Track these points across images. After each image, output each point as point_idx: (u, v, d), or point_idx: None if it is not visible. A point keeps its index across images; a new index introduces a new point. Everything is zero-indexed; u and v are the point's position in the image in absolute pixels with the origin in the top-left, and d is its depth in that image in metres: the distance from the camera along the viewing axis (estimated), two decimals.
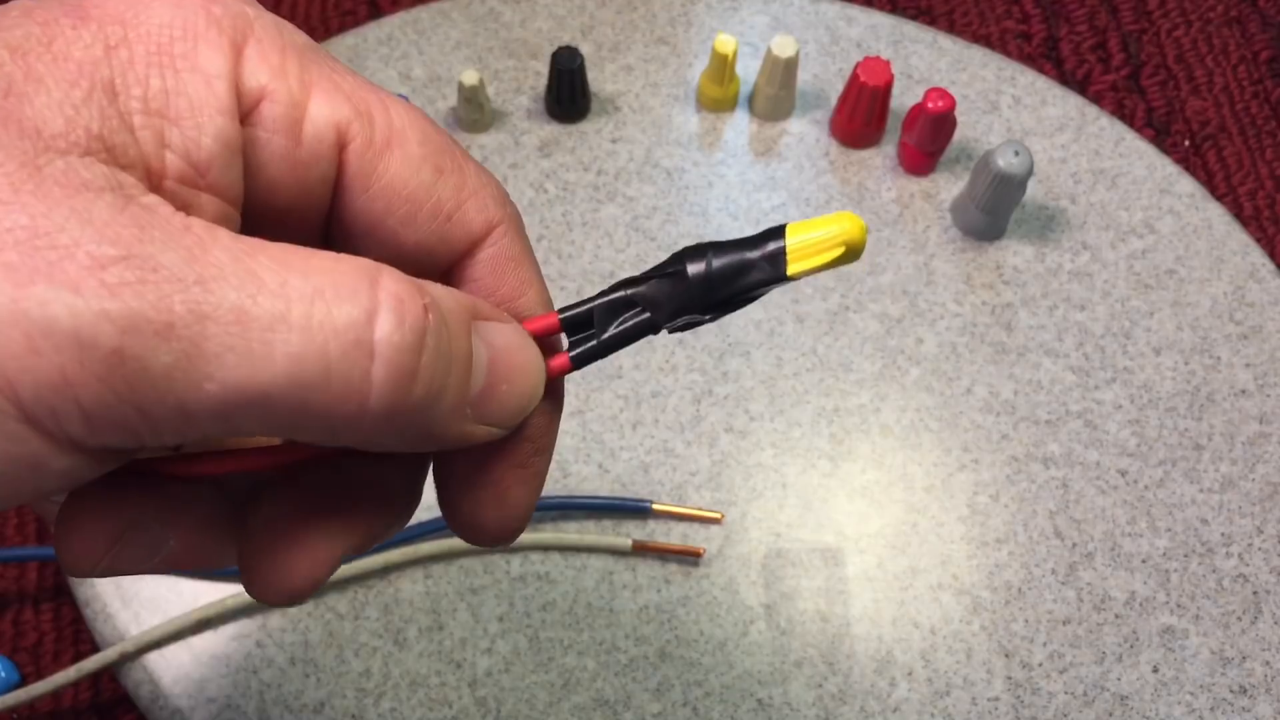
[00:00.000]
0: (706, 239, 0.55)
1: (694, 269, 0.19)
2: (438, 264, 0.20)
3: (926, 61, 0.55)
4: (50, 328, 0.14)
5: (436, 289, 0.17)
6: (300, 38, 0.18)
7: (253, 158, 0.18)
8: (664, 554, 0.44)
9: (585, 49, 0.54)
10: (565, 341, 0.21)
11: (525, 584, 0.44)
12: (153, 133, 0.16)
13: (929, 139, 0.50)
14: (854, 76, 0.50)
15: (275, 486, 0.20)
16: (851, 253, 0.18)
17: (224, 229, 0.15)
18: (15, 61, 0.15)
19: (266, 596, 0.19)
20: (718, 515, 0.45)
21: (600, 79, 0.53)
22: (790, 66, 0.50)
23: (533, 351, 0.19)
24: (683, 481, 0.46)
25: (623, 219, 0.51)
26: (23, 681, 0.46)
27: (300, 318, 0.15)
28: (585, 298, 0.20)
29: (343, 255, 0.16)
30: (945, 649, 0.43)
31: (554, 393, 0.21)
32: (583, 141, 0.52)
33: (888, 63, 0.50)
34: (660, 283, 0.19)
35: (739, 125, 0.53)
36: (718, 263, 0.19)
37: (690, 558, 0.44)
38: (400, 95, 0.49)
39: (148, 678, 0.42)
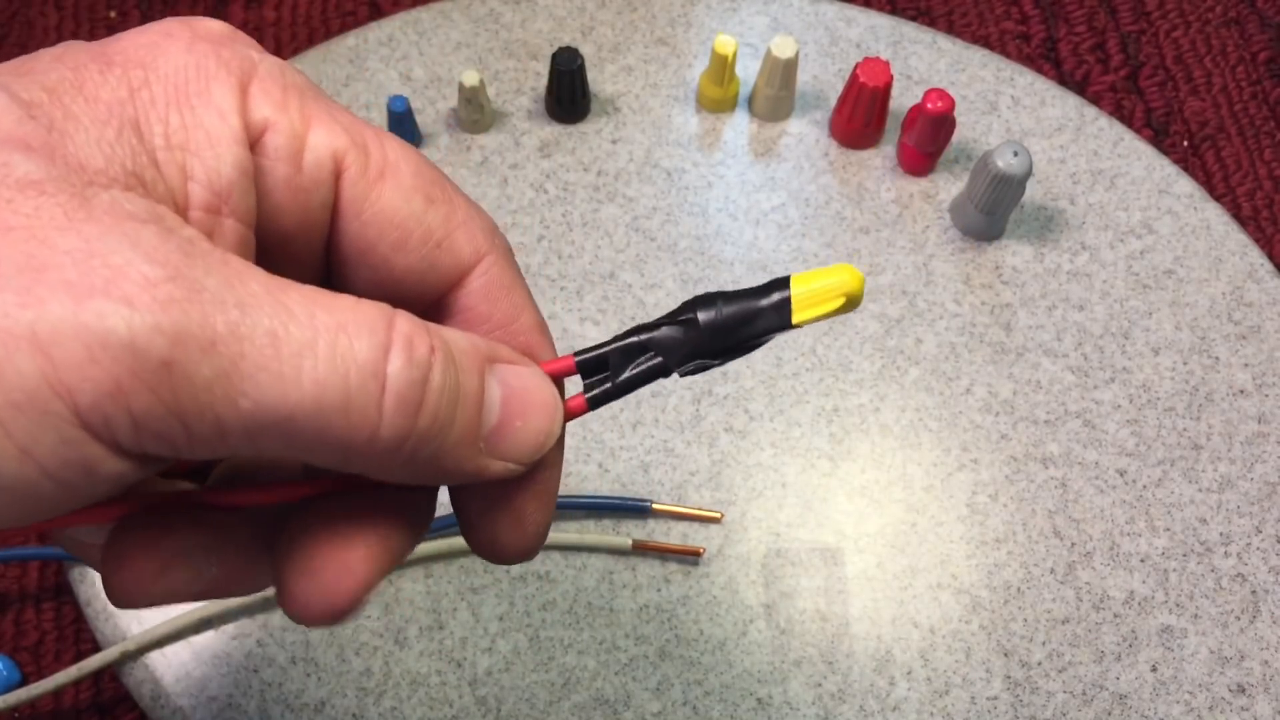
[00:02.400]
0: (706, 239, 0.55)
1: (705, 316, 0.20)
2: (429, 291, 0.21)
3: (926, 62, 0.55)
4: (108, 339, 0.15)
5: (450, 333, 0.19)
6: (300, 78, 0.20)
7: (259, 184, 0.19)
8: (664, 553, 0.44)
9: (585, 50, 0.54)
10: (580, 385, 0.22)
11: (525, 583, 0.44)
12: (176, 167, 0.18)
13: (928, 139, 0.50)
14: (853, 77, 0.50)
15: (304, 511, 0.21)
16: (850, 303, 0.20)
17: (258, 267, 0.17)
18: (53, 102, 0.17)
19: (307, 614, 0.20)
20: (717, 515, 0.45)
21: (600, 79, 0.54)
22: (790, 67, 0.50)
23: (549, 390, 0.20)
24: (682, 481, 0.46)
25: (623, 219, 0.51)
26: (24, 680, 0.46)
27: (326, 347, 0.16)
28: (600, 342, 0.21)
29: (362, 299, 0.17)
30: (944, 648, 0.43)
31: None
32: (583, 142, 0.52)
33: (887, 63, 0.50)
34: (672, 329, 0.21)
35: (739, 126, 0.53)
36: (727, 310, 0.20)
37: (690, 557, 0.44)
38: (400, 96, 0.50)
39: (149, 677, 0.42)
